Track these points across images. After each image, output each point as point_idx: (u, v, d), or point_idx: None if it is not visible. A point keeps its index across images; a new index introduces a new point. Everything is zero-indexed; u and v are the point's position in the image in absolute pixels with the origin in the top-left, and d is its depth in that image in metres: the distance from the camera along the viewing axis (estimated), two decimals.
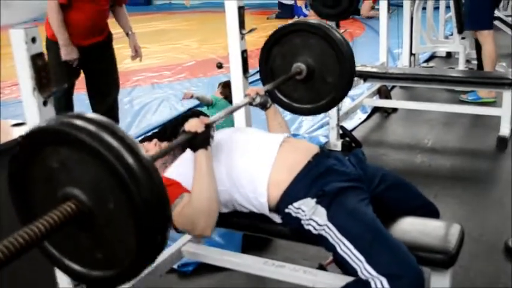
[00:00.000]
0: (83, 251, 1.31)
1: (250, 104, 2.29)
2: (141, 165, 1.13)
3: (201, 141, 1.83)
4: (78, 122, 1.16)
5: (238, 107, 2.33)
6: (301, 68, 2.46)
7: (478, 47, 5.20)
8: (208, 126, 1.86)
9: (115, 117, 3.65)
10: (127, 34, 3.70)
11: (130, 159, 1.13)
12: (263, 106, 2.32)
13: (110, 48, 3.67)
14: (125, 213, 1.17)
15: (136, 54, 3.77)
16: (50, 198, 1.25)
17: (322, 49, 2.42)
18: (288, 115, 4.93)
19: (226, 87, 4.04)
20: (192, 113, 3.89)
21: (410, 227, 1.94)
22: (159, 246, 1.24)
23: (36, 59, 1.60)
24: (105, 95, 3.68)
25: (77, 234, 1.26)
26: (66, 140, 1.17)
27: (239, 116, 2.63)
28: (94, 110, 3.61)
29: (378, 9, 6.22)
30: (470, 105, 4.84)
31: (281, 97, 2.57)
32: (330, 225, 1.80)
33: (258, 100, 2.27)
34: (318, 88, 2.50)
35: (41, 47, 1.61)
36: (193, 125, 1.82)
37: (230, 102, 3.89)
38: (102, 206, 1.20)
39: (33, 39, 1.58)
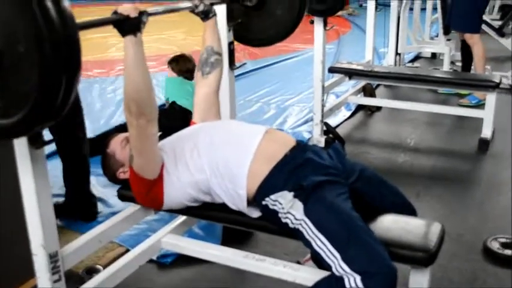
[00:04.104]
0: None
1: (192, 11, 2.25)
2: (59, 9, 1.20)
3: (131, 25, 1.75)
4: None
5: (178, 9, 2.21)
6: None
7: (464, 49, 5.25)
8: (142, 13, 1.78)
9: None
10: None
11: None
12: (205, 15, 2.29)
13: None
14: (33, 53, 1.20)
15: None
16: None
17: None
18: (272, 110, 4.96)
19: (173, 61, 3.92)
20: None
21: (392, 224, 1.94)
22: (64, 91, 1.27)
23: None
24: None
25: None
26: None
27: (224, 108, 2.61)
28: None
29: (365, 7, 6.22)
30: (454, 106, 4.87)
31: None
32: (307, 220, 1.79)
33: (201, 8, 2.24)
34: (267, 20, 2.54)
35: None
36: (127, 9, 1.75)
37: (187, 74, 3.84)
38: (11, 46, 1.22)
39: None
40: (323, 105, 3.98)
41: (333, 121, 4.49)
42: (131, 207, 2.19)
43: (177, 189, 2.00)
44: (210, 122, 2.24)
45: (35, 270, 1.79)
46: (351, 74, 4.48)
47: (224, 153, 1.96)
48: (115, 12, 1.75)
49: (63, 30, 1.23)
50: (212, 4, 2.31)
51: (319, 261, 1.82)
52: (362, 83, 4.90)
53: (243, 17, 2.58)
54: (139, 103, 1.78)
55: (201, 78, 2.33)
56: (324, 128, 4.08)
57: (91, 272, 2.39)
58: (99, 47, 7.51)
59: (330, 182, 1.88)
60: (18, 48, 1.23)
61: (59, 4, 1.22)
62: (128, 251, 2.44)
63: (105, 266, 2.33)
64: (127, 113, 1.83)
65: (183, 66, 3.90)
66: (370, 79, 4.72)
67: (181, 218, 2.39)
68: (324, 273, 1.86)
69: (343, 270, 1.68)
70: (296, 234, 1.83)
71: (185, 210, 2.12)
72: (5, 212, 2.03)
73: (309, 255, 2.24)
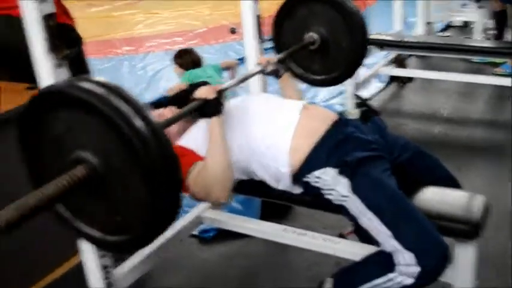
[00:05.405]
0: (97, 215, 1.30)
1: (262, 72, 2.26)
2: (149, 127, 1.13)
3: (212, 108, 1.79)
4: (87, 85, 1.15)
5: (250, 76, 2.26)
6: (314, 38, 2.42)
7: (498, 17, 5.14)
8: (220, 93, 1.82)
9: None
10: None
11: (138, 122, 1.12)
12: (276, 75, 2.29)
13: None
14: (136, 177, 1.16)
15: None
16: (61, 161, 1.23)
17: (334, 19, 2.37)
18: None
19: (180, 57, 3.77)
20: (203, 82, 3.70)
21: (433, 196, 1.91)
22: (172, 210, 1.24)
23: (48, 19, 1.54)
24: None
25: (90, 198, 1.26)
26: (77, 103, 1.15)
27: (255, 82, 2.59)
28: None
29: None
30: (488, 75, 4.78)
31: (295, 68, 2.54)
32: (354, 196, 1.76)
33: (269, 68, 2.25)
34: (332, 59, 2.46)
35: (53, 6, 1.55)
36: (204, 92, 1.78)
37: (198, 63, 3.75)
38: (112, 169, 1.19)
39: None
40: (355, 77, 3.94)
41: (366, 93, 4.46)
42: None
43: None
44: (244, 99, 2.21)
45: (79, 247, 1.84)
46: (381, 44, 4.41)
47: (263, 133, 1.91)
48: (194, 99, 1.79)
49: (157, 145, 1.14)
50: (279, 61, 2.29)
51: (363, 235, 1.81)
52: (393, 54, 4.83)
53: (308, 62, 2.52)
54: (226, 182, 1.79)
55: None
56: (357, 101, 4.05)
57: None
58: (126, 24, 7.51)
59: (374, 157, 1.84)
60: (117, 168, 1.19)
61: (147, 119, 1.14)
62: None
63: None
64: (204, 195, 1.83)
65: (194, 57, 3.83)
66: (402, 49, 4.63)
67: None
68: (364, 247, 1.86)
69: (394, 247, 1.66)
70: (340, 210, 1.81)
71: None
72: None
73: (351, 228, 2.22)
